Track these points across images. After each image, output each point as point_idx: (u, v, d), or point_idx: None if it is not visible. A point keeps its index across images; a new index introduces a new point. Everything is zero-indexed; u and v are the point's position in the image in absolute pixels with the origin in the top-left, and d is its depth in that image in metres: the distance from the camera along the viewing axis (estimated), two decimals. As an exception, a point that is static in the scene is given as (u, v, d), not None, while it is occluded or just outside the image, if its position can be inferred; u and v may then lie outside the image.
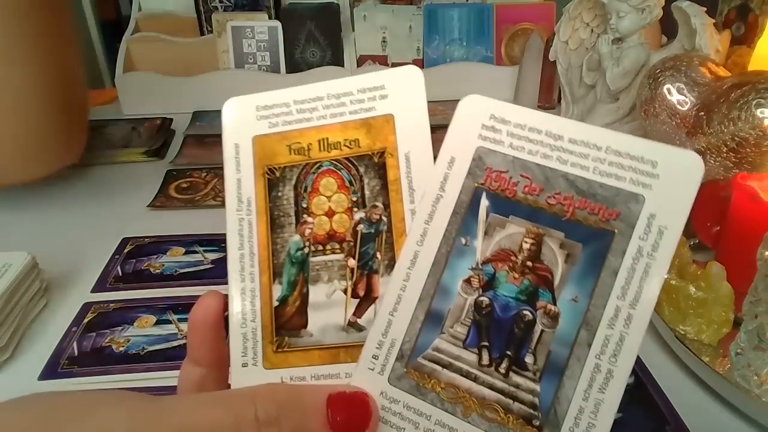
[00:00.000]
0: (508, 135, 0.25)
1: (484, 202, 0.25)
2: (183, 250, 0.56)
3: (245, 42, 0.96)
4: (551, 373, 0.22)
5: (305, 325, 0.26)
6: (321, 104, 0.27)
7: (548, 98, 0.95)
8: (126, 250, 0.56)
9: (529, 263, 0.24)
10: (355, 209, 0.27)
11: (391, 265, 0.26)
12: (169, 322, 0.47)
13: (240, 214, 0.28)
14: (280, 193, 0.27)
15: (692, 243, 0.50)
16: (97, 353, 0.44)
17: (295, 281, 0.26)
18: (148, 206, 0.65)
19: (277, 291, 0.27)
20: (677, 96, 0.64)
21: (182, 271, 0.53)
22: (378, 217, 0.26)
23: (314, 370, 0.25)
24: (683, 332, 0.42)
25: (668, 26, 0.80)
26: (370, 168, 0.27)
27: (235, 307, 0.27)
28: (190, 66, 0.94)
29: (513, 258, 0.24)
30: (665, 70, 0.66)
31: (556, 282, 0.23)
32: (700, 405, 0.39)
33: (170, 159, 0.77)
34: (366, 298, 0.25)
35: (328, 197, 0.27)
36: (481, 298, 0.24)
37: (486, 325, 0.24)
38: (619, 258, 0.22)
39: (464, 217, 0.25)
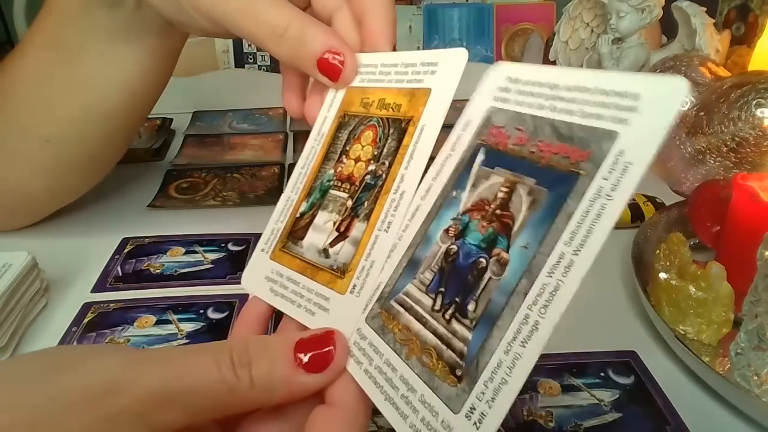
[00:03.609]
0: (516, 93, 0.25)
1: (479, 157, 0.25)
2: (183, 250, 0.56)
3: (245, 42, 0.96)
4: (485, 322, 0.21)
5: (303, 238, 0.31)
6: (394, 70, 0.31)
7: (548, 98, 0.95)
8: (126, 250, 0.56)
9: (498, 212, 0.23)
10: (372, 162, 0.30)
11: (368, 215, 0.28)
12: (169, 322, 0.47)
13: (313, 143, 0.34)
14: (340, 134, 0.33)
15: (692, 243, 0.50)
16: (97, 353, 0.44)
17: (315, 204, 0.32)
18: (148, 206, 0.65)
19: (303, 206, 0.32)
20: (677, 96, 0.64)
21: (182, 271, 0.53)
22: (381, 173, 0.29)
23: (290, 273, 0.30)
24: (683, 332, 0.42)
25: (668, 26, 0.80)
26: (396, 131, 0.30)
27: (279, 206, 0.34)
28: (190, 66, 0.94)
29: (486, 207, 0.24)
30: (665, 70, 0.66)
31: (515, 229, 0.22)
32: (700, 405, 0.39)
33: (170, 159, 0.77)
34: (341, 235, 0.29)
35: (362, 147, 0.31)
36: (451, 246, 0.24)
37: (448, 272, 0.24)
38: (577, 201, 0.20)
39: (461, 172, 0.25)
